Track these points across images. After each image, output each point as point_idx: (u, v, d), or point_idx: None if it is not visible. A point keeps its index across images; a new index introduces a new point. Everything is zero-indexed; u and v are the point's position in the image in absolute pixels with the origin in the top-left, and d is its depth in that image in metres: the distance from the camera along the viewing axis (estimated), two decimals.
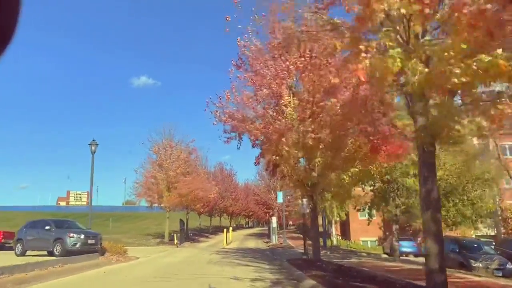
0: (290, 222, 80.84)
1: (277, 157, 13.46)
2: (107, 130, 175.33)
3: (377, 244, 36.37)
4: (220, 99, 13.78)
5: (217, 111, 13.67)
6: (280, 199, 33.19)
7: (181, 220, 32.92)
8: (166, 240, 31.85)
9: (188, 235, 42.67)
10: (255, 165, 17.37)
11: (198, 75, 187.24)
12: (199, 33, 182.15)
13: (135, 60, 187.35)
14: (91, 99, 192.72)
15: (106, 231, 39.36)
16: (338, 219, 33.74)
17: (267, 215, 43.95)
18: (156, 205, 32.82)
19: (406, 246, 25.89)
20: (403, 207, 24.33)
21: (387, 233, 36.59)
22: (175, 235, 31.59)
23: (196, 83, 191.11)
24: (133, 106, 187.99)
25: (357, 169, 14.95)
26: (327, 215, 32.40)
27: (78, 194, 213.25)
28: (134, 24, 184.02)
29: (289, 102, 13.26)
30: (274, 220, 32.68)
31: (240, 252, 24.69)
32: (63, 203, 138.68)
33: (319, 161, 14.04)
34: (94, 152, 19.26)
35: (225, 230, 32.08)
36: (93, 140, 19.29)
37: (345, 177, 16.58)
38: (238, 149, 17.12)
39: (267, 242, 37.37)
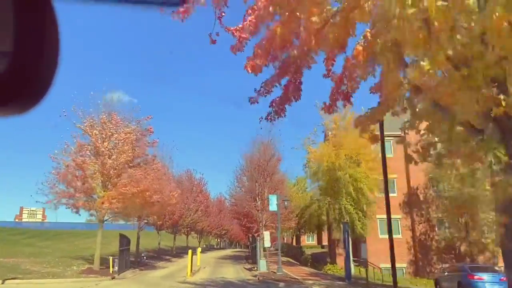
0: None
1: None
2: None
3: (405, 272, 26.14)
4: None
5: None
6: (273, 206, 22.65)
7: (122, 236, 21.60)
8: (97, 266, 20.32)
9: (139, 258, 31.01)
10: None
11: None
12: None
13: None
14: None
15: (19, 253, 27.28)
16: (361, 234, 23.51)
17: (249, 231, 32.91)
18: (90, 215, 21.44)
19: (489, 282, 15.71)
20: None
21: (417, 257, 26.52)
22: (111, 259, 20.21)
23: None
24: None
25: None
26: (356, 230, 22.18)
27: (32, 210, 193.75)
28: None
29: None
30: (266, 236, 21.96)
31: None
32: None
33: None
34: None
35: (190, 252, 20.96)
36: None
37: None
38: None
39: (250, 269, 26.41)
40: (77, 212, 21.36)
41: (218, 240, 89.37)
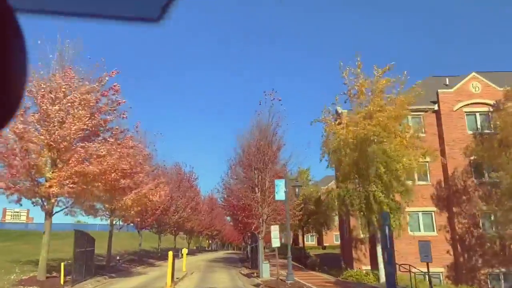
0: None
1: None
2: None
3: (443, 278, 20.90)
4: None
5: None
6: (280, 194, 17.34)
7: (79, 233, 16.15)
8: (42, 275, 14.80)
9: (114, 263, 25.55)
10: None
11: None
12: None
13: None
14: None
15: None
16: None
17: (246, 228, 27.44)
18: (33, 204, 15.91)
19: None
20: None
21: (458, 260, 21.39)
22: (62, 265, 14.71)
23: None
24: None
25: None
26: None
27: (16, 212, 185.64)
28: None
29: None
30: (275, 232, 16.38)
31: None
32: None
33: None
34: None
35: (171, 254, 15.51)
36: None
37: None
38: None
39: (249, 275, 21.08)
40: (18, 202, 15.83)
41: (210, 241, 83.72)
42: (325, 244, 57.76)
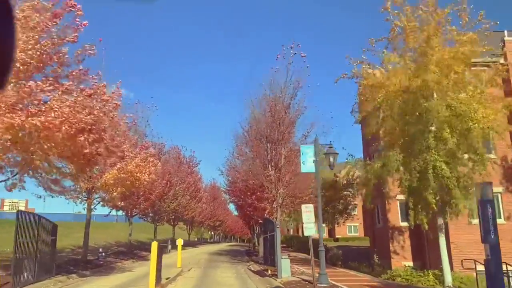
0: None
1: None
2: None
3: None
4: None
5: None
6: (307, 165, 12.44)
7: (23, 215, 11.38)
8: None
9: (97, 257, 20.97)
10: None
11: None
12: None
13: None
14: None
15: None
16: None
17: (256, 216, 22.39)
18: None
19: None
20: None
21: None
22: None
23: None
24: None
25: None
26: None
27: (14, 202, 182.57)
28: None
29: None
30: (307, 215, 11.29)
31: None
32: None
33: None
34: None
35: (154, 245, 10.67)
36: None
37: None
38: None
39: (262, 273, 16.30)
40: None
41: (212, 232, 79.28)
42: (337, 236, 53.12)
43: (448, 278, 12.72)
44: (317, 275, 12.02)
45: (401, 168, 13.73)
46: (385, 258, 19.88)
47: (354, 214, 38.31)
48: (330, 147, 12.53)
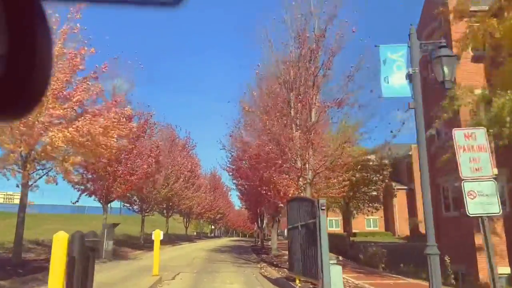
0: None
1: None
2: None
3: None
4: None
5: None
6: (397, 84, 6.16)
7: None
8: None
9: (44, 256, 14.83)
10: None
11: None
12: None
13: None
14: None
15: None
16: None
17: (274, 197, 15.65)
18: None
19: None
20: None
21: None
22: None
23: None
24: None
25: None
26: None
27: (9, 194, 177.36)
28: None
29: None
30: (481, 155, 5.24)
31: None
32: None
33: None
34: None
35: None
36: None
37: None
38: None
39: (287, 285, 10.05)
40: None
41: (212, 226, 73.17)
42: (354, 231, 46.93)
43: None
44: None
45: None
46: (461, 262, 13.63)
47: (380, 206, 32.12)
48: (441, 45, 6.23)
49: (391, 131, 14.94)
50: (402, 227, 44.28)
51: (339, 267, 8.53)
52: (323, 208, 8.27)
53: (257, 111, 14.04)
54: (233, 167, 23.31)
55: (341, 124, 15.04)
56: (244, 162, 22.25)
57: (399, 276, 13.83)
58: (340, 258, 11.64)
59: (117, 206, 49.56)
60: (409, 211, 44.52)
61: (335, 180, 13.95)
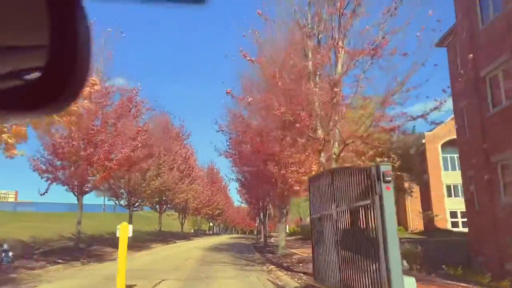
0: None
1: None
2: None
3: None
4: None
5: None
6: None
7: None
8: None
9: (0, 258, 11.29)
10: None
11: None
12: None
13: None
14: None
15: None
16: None
17: (288, 176, 11.91)
18: None
19: None
20: None
21: None
22: None
23: None
24: None
25: None
26: None
27: (3, 193, 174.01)
28: None
29: None
30: None
31: None
32: None
33: None
34: None
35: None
36: None
37: None
38: None
39: None
40: None
41: (210, 223, 69.64)
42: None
43: None
44: None
45: None
46: (498, 259, 10.15)
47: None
48: None
49: (435, 99, 10.91)
50: (415, 222, 40.92)
51: (413, 280, 5.09)
52: (389, 179, 4.79)
53: (262, 59, 10.47)
54: (233, 152, 19.78)
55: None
56: (245, 145, 18.73)
57: (454, 283, 10.38)
58: (405, 262, 8.21)
59: (101, 203, 45.95)
60: (422, 204, 41.14)
61: (371, 152, 10.44)
